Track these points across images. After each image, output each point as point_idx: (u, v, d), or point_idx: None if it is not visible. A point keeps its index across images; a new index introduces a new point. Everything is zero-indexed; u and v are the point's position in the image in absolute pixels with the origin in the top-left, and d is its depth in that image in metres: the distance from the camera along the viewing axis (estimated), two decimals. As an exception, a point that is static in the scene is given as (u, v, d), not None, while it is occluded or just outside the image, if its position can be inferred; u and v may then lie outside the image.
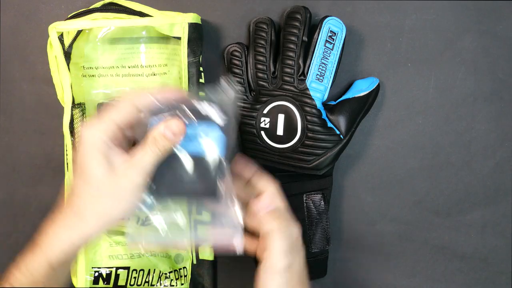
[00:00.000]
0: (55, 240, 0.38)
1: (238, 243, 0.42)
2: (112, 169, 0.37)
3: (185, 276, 0.53)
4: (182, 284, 0.53)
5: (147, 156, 0.38)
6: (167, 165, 0.39)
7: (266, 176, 0.45)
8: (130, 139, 0.42)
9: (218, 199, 0.40)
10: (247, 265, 0.55)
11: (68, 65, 0.48)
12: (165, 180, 0.40)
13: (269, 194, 0.44)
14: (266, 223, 0.42)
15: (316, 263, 0.52)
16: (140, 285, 0.53)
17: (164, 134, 0.38)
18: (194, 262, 0.53)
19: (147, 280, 0.53)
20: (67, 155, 0.50)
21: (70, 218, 0.38)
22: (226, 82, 0.40)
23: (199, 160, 0.40)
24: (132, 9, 0.48)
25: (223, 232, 0.43)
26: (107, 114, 0.39)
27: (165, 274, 0.54)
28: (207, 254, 0.52)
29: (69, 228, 0.38)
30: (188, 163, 0.40)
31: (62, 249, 0.38)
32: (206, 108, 0.40)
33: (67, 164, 0.50)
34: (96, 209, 0.37)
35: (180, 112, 0.39)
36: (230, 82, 0.41)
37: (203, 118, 0.39)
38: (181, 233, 0.43)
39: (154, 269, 0.54)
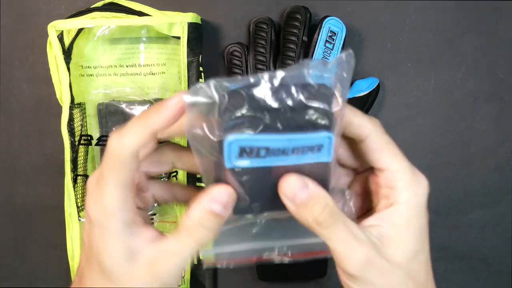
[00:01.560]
0: None
1: None
2: (132, 257, 0.27)
3: (182, 277, 0.53)
4: (179, 286, 0.53)
5: (183, 248, 0.26)
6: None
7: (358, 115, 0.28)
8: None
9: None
10: (247, 265, 0.55)
11: (68, 64, 0.48)
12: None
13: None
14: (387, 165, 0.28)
15: (316, 263, 0.52)
16: None
17: (211, 210, 0.26)
18: (195, 262, 0.53)
19: None
20: (65, 154, 0.50)
21: None
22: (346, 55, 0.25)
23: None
24: (132, 9, 0.48)
25: None
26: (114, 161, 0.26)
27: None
28: (207, 254, 0.52)
29: None
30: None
31: None
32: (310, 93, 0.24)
33: (66, 164, 0.50)
34: None
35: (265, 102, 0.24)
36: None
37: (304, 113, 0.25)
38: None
39: None
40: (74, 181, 0.50)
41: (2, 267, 0.57)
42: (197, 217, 0.26)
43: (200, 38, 0.48)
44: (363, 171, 0.31)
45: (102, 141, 0.50)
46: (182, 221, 0.27)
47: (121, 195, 0.26)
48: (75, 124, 0.50)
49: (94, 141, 0.51)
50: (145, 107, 0.50)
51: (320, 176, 0.26)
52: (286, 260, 0.30)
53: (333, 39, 0.48)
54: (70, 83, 0.49)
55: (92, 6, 0.48)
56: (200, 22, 0.49)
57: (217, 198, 0.26)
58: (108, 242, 0.26)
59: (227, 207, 0.26)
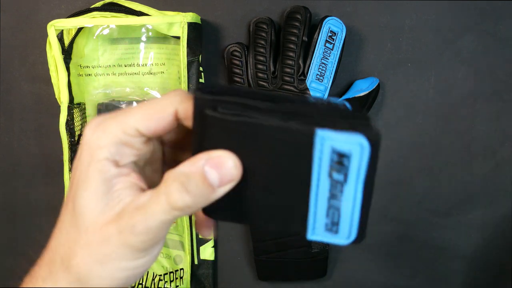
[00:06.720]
0: None
1: None
2: (110, 209, 0.24)
3: (181, 277, 0.53)
4: (177, 286, 0.53)
5: (155, 206, 0.23)
6: None
7: None
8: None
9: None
10: (248, 265, 0.55)
11: (68, 64, 0.48)
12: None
13: None
14: None
15: (316, 263, 0.52)
16: (134, 286, 0.53)
17: (205, 176, 0.22)
18: (196, 262, 0.53)
19: (140, 282, 0.54)
20: (64, 155, 0.50)
21: (43, 273, 0.26)
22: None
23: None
24: (132, 9, 0.48)
25: None
26: (125, 114, 0.24)
27: (159, 276, 0.54)
28: (208, 254, 0.52)
29: None
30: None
31: None
32: None
33: (65, 163, 0.50)
34: (76, 265, 0.25)
35: None
36: None
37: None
38: None
39: (148, 271, 0.54)
40: (74, 181, 0.50)
41: (1, 267, 0.57)
42: (182, 176, 0.22)
43: (200, 38, 0.48)
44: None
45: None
46: (166, 174, 0.23)
47: (119, 135, 0.24)
48: (75, 124, 0.50)
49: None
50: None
51: None
52: None
53: (333, 39, 0.48)
54: (69, 83, 0.49)
55: (92, 6, 0.48)
56: (200, 22, 0.49)
57: (216, 163, 0.22)
58: (89, 179, 0.24)
59: (223, 182, 0.22)
